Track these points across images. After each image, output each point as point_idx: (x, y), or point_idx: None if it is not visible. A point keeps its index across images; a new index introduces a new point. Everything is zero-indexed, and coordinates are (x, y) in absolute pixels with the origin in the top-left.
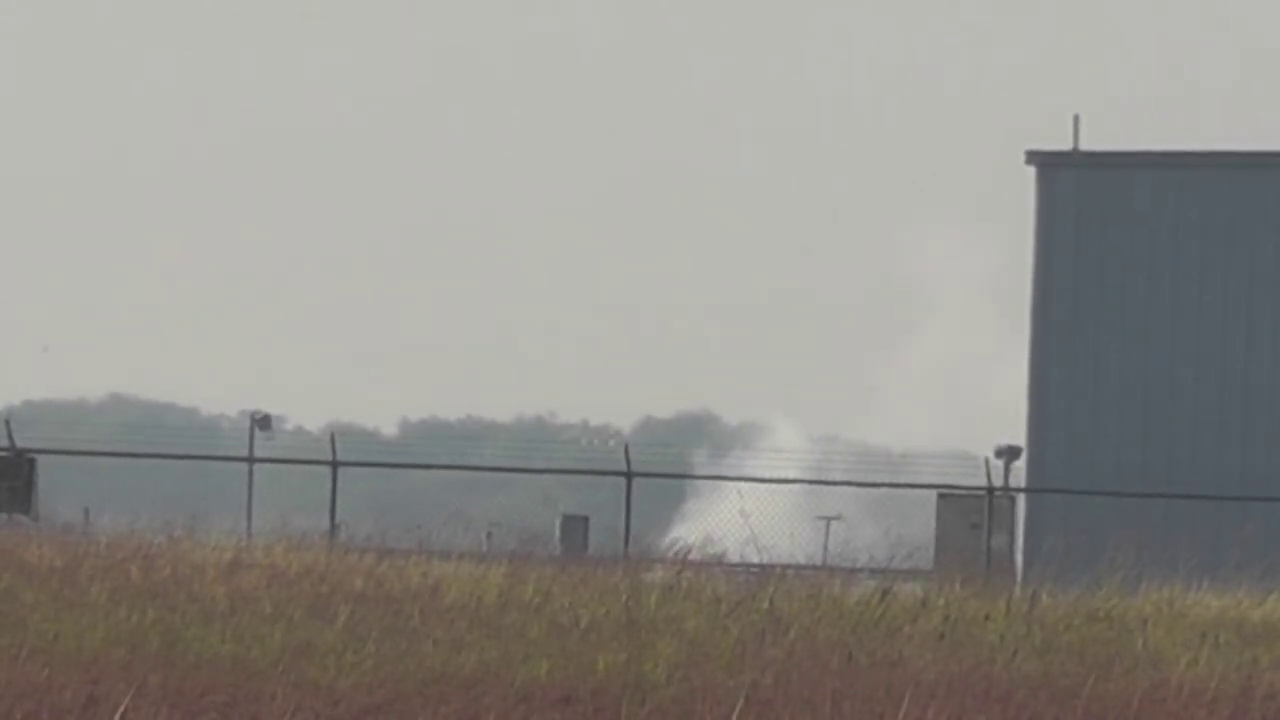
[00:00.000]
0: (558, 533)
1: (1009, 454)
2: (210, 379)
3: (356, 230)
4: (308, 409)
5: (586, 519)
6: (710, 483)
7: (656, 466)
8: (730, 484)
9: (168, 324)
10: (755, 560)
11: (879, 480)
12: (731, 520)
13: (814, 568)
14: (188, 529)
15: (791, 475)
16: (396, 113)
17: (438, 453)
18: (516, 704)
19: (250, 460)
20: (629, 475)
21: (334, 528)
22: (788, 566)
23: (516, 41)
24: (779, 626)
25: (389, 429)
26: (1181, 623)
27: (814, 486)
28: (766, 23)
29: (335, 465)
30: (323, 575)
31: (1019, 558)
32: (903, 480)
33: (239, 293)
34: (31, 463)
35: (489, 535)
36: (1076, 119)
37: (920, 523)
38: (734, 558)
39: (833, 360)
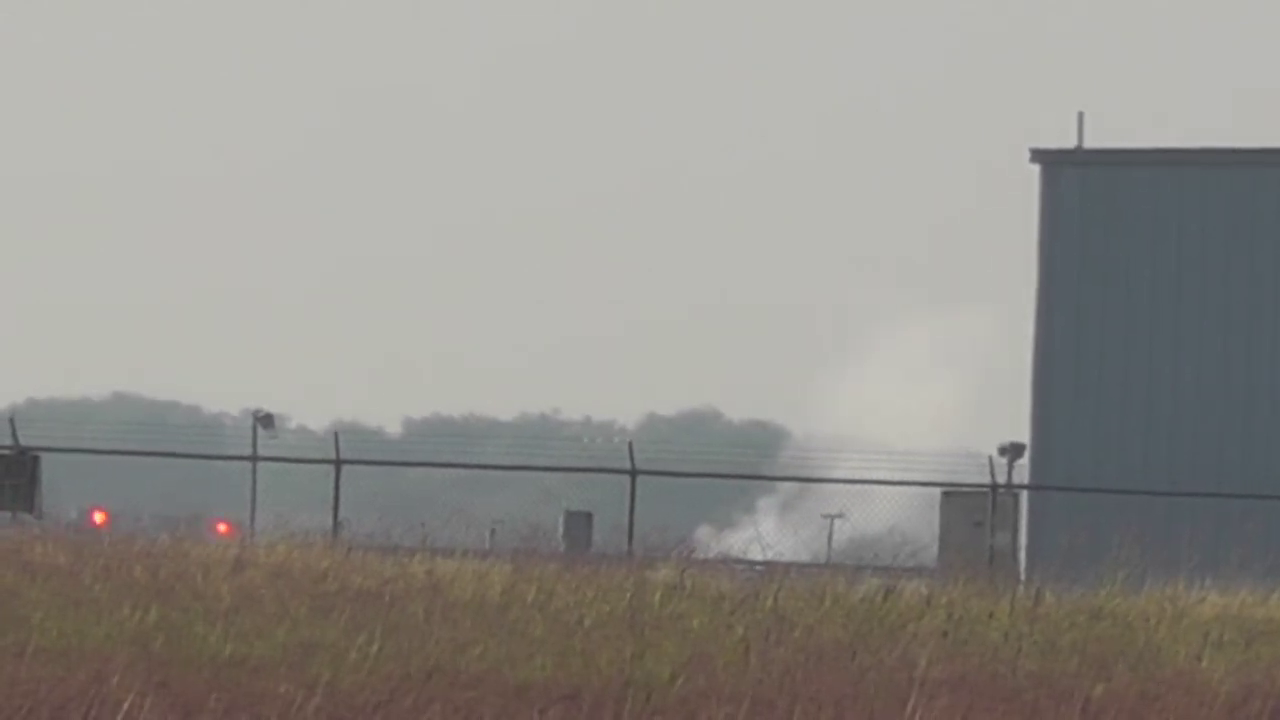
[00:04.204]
0: (561, 530)
1: (1012, 451)
2: (213, 377)
3: (359, 229)
4: (311, 407)
5: (590, 516)
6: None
7: (660, 464)
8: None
9: (171, 322)
10: (759, 558)
11: (883, 478)
12: (737, 518)
13: (818, 566)
14: (191, 527)
15: (795, 473)
16: (398, 112)
17: (441, 450)
18: (519, 702)
19: (254, 459)
20: (633, 473)
21: (337, 526)
22: (791, 564)
23: (517, 42)
24: (783, 625)
25: (392, 427)
26: (1184, 621)
27: (817, 484)
28: (767, 23)
29: (338, 463)
30: (326, 573)
31: (1022, 555)
32: (907, 478)
33: (242, 291)
34: (35, 461)
35: (492, 533)
36: (1081, 116)
37: (924, 521)
38: (738, 555)
39: (836, 359)
